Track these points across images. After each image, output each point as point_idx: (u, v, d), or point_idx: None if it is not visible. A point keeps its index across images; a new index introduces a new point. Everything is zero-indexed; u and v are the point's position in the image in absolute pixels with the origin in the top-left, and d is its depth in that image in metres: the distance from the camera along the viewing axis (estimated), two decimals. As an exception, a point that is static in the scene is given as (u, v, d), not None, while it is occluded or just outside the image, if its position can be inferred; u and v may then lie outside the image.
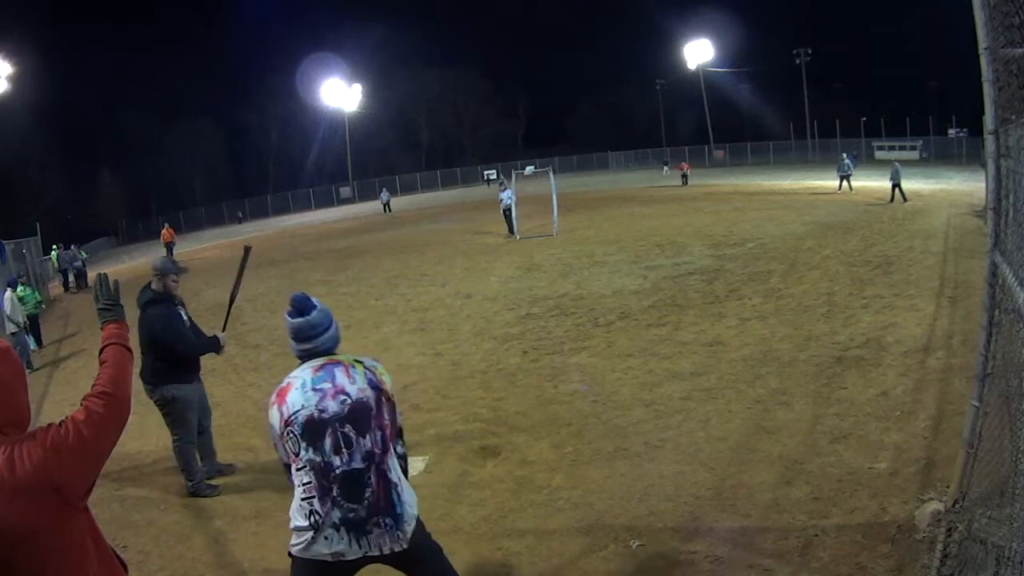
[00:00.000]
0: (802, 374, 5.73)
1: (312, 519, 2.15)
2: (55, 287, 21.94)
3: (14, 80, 38.95)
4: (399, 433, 2.41)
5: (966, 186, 21.65)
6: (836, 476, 3.93)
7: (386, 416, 2.27)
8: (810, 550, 3.26)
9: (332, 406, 2.17)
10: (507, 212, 18.39)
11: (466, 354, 7.57)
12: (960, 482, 3.29)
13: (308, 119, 59.57)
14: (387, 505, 2.18)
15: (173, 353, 4.49)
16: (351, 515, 2.14)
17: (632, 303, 9.11)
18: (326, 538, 2.15)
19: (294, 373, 2.28)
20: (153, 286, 4.55)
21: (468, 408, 5.82)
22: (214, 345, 4.66)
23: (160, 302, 4.49)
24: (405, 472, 2.40)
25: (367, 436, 2.19)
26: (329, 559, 2.17)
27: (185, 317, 4.68)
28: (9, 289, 10.52)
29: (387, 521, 2.17)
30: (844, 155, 24.17)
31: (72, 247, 25.72)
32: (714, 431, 4.76)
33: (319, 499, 2.15)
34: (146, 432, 6.35)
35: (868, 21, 52.83)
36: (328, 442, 2.15)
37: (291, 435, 2.17)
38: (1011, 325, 2.94)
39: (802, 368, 5.88)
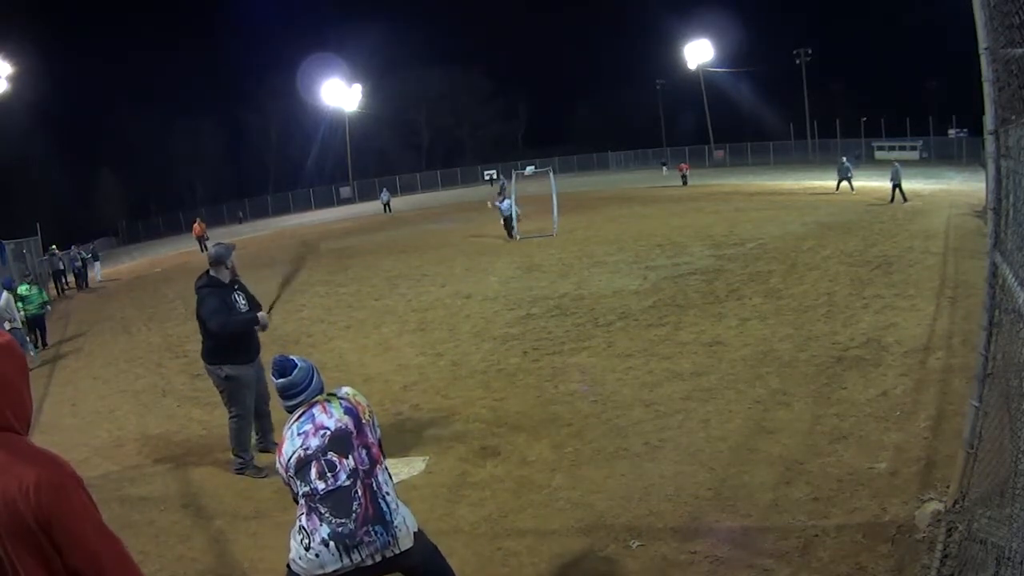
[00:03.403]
0: (802, 374, 5.73)
1: (302, 538, 2.31)
2: (50, 288, 21.89)
3: (14, 80, 38.93)
4: (380, 442, 2.55)
5: (966, 186, 21.65)
6: (836, 476, 3.93)
7: (369, 435, 2.45)
8: (810, 550, 3.26)
9: (314, 442, 2.38)
10: (507, 220, 18.33)
11: (466, 354, 7.57)
12: (960, 482, 3.29)
13: (308, 119, 59.54)
14: (376, 514, 2.31)
15: (217, 332, 4.65)
16: (340, 529, 2.26)
17: (632, 303, 9.11)
18: (317, 555, 2.26)
19: (286, 426, 2.51)
20: (211, 273, 4.81)
21: (468, 408, 5.82)
22: (251, 321, 4.76)
23: (208, 286, 4.75)
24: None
25: (350, 456, 2.36)
26: (342, 571, 2.29)
27: (241, 299, 4.84)
28: (6, 291, 10.50)
29: (377, 529, 2.30)
30: (844, 158, 24.31)
31: (72, 247, 25.72)
32: (714, 431, 4.75)
33: (307, 517, 2.32)
34: (146, 432, 6.35)
35: (868, 21, 52.85)
36: (313, 472, 2.34)
37: (290, 478, 2.41)
38: (1011, 325, 2.94)
39: (802, 368, 5.88)
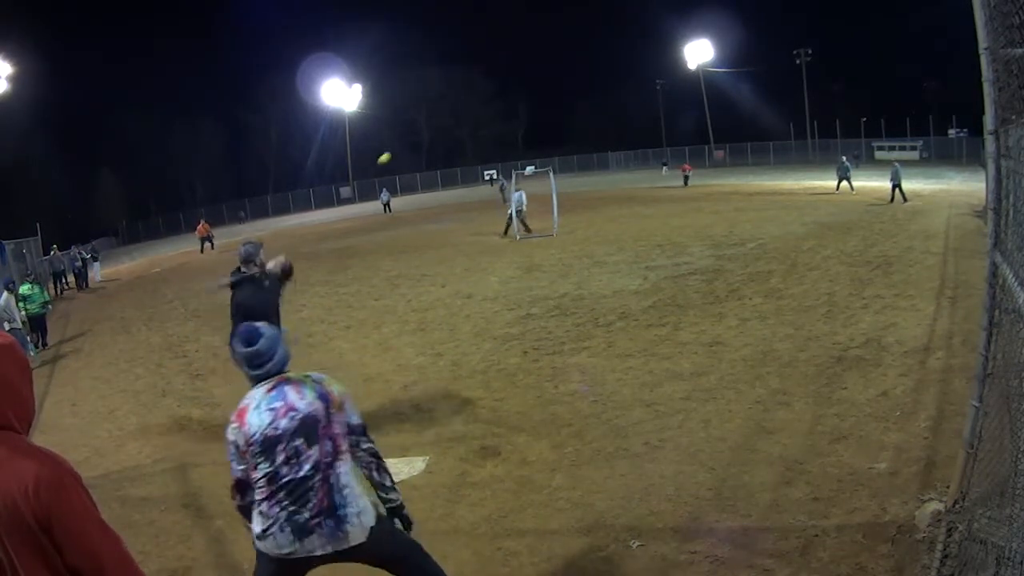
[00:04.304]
0: (802, 374, 5.73)
1: (263, 521, 2.36)
2: (50, 288, 21.88)
3: (14, 80, 38.93)
4: (362, 431, 2.52)
5: (966, 186, 21.66)
6: (836, 476, 3.93)
7: (336, 426, 2.42)
8: (810, 550, 3.26)
9: (284, 423, 2.35)
10: (519, 213, 18.40)
11: (466, 354, 7.57)
12: (960, 482, 3.29)
13: (308, 119, 59.52)
14: (330, 507, 2.34)
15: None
16: (295, 517, 2.32)
17: (632, 303, 9.10)
18: (273, 537, 2.33)
19: (250, 394, 2.46)
20: (242, 269, 5.13)
21: (468, 408, 5.82)
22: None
23: (238, 284, 5.09)
24: (379, 466, 2.54)
25: (315, 447, 2.36)
26: (279, 556, 2.35)
27: (267, 293, 5.08)
28: (7, 291, 10.50)
29: (329, 523, 2.33)
30: (843, 158, 24.43)
31: (72, 248, 25.70)
32: (714, 431, 4.75)
33: (267, 502, 2.35)
34: (146, 432, 6.36)
35: (868, 21, 52.86)
36: (280, 456, 2.34)
37: (253, 453, 2.36)
38: (1011, 325, 2.94)
39: (802, 368, 5.88)
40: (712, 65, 55.41)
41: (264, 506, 2.35)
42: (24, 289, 11.85)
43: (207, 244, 27.61)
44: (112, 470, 5.44)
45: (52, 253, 22.48)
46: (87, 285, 22.30)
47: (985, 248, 3.19)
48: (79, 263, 22.56)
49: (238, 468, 2.43)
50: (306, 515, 2.31)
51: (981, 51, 2.88)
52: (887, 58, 51.53)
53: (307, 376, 2.48)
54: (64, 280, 21.90)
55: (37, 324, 11.79)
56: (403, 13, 67.60)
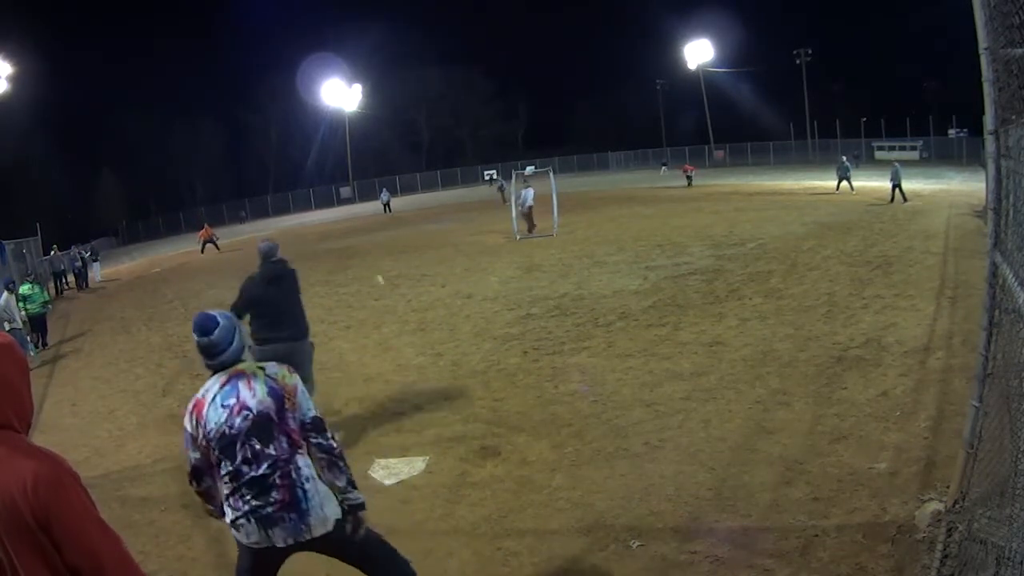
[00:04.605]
0: (802, 374, 5.73)
1: (232, 513, 2.41)
2: (51, 287, 21.86)
3: (14, 80, 38.93)
4: (315, 426, 2.49)
5: (966, 186, 21.65)
6: (836, 476, 3.93)
7: (290, 421, 2.43)
8: (810, 550, 3.26)
9: (238, 422, 2.38)
10: (528, 209, 18.51)
11: (466, 354, 7.57)
12: (960, 482, 3.29)
13: (308, 119, 59.54)
14: (292, 502, 2.38)
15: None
16: (259, 510, 2.37)
17: (632, 303, 9.10)
18: (241, 527, 2.40)
19: (206, 386, 2.47)
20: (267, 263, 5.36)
21: (468, 408, 5.82)
22: None
23: (252, 276, 5.27)
24: (330, 463, 2.50)
25: (271, 445, 2.39)
26: (251, 546, 2.42)
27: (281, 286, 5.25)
28: (7, 291, 10.50)
29: (292, 516, 2.37)
30: (844, 158, 24.39)
31: (72, 248, 25.69)
32: (714, 431, 4.75)
33: (233, 497, 2.40)
34: (146, 432, 6.36)
35: (868, 21, 52.86)
36: (239, 455, 2.38)
37: (211, 449, 2.40)
38: (1011, 325, 2.94)
39: (802, 368, 5.88)
40: (712, 65, 55.41)
41: (231, 500, 2.40)
42: (24, 289, 11.85)
43: (210, 246, 27.45)
44: (112, 470, 5.44)
45: (52, 253, 22.47)
46: (87, 285, 22.30)
47: (985, 248, 3.18)
48: (79, 263, 22.55)
49: (193, 455, 2.46)
50: (269, 509, 2.36)
51: (981, 51, 2.88)
52: (887, 58, 51.56)
53: (261, 368, 2.49)
54: (64, 280, 21.88)
55: (37, 324, 11.79)
56: (403, 13, 67.72)
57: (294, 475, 2.39)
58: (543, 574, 3.36)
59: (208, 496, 2.51)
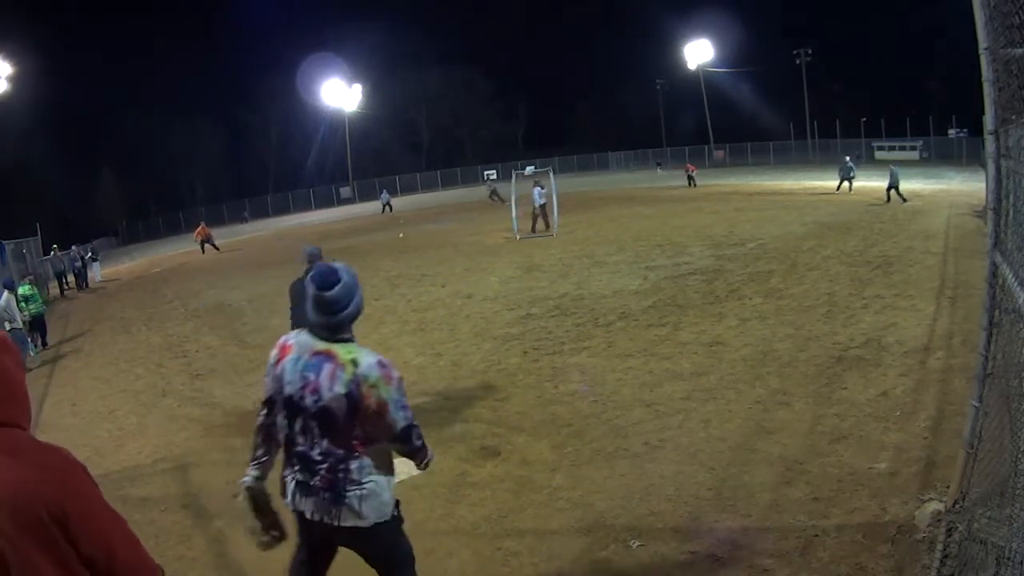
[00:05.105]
0: (802, 374, 5.73)
1: (283, 470, 2.40)
2: (53, 286, 21.86)
3: (14, 80, 38.94)
4: (402, 435, 2.34)
5: (966, 186, 21.65)
6: (836, 476, 3.93)
7: (357, 430, 2.26)
8: (810, 550, 3.26)
9: (307, 399, 2.26)
10: (542, 207, 18.59)
11: (466, 354, 7.57)
12: (960, 482, 3.29)
13: (308, 119, 59.52)
14: (330, 490, 2.28)
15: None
16: (302, 480, 2.33)
17: (632, 303, 9.10)
18: (287, 483, 2.38)
19: (299, 339, 2.36)
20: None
21: (468, 408, 5.82)
22: None
23: (298, 279, 5.71)
24: (414, 457, 2.45)
25: (326, 440, 2.27)
26: (294, 509, 2.39)
27: None
28: (6, 291, 10.49)
29: (326, 497, 2.29)
30: (847, 158, 24.11)
31: (72, 248, 25.68)
32: (714, 431, 4.75)
33: (286, 454, 2.38)
34: (146, 432, 6.36)
35: (868, 21, 52.88)
36: (298, 425, 2.31)
37: (279, 394, 2.33)
38: (1011, 325, 2.94)
39: (802, 368, 5.88)
40: (712, 65, 55.40)
41: (286, 454, 2.39)
42: (25, 290, 11.84)
43: (208, 246, 27.49)
44: (112, 470, 5.44)
45: (52, 253, 22.47)
46: (87, 285, 22.29)
47: (985, 248, 3.18)
48: (79, 263, 22.55)
49: (270, 386, 2.37)
50: (310, 481, 2.30)
51: (981, 51, 2.88)
52: (887, 58, 51.57)
53: (354, 362, 2.24)
54: (64, 280, 21.88)
55: (37, 324, 11.79)
56: (403, 13, 67.62)
57: (340, 474, 2.27)
58: (543, 574, 3.36)
59: (266, 431, 2.41)
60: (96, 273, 23.84)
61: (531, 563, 3.44)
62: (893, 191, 18.67)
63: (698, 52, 54.35)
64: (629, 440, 4.76)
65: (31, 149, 47.47)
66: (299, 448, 2.30)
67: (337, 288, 2.26)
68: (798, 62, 50.15)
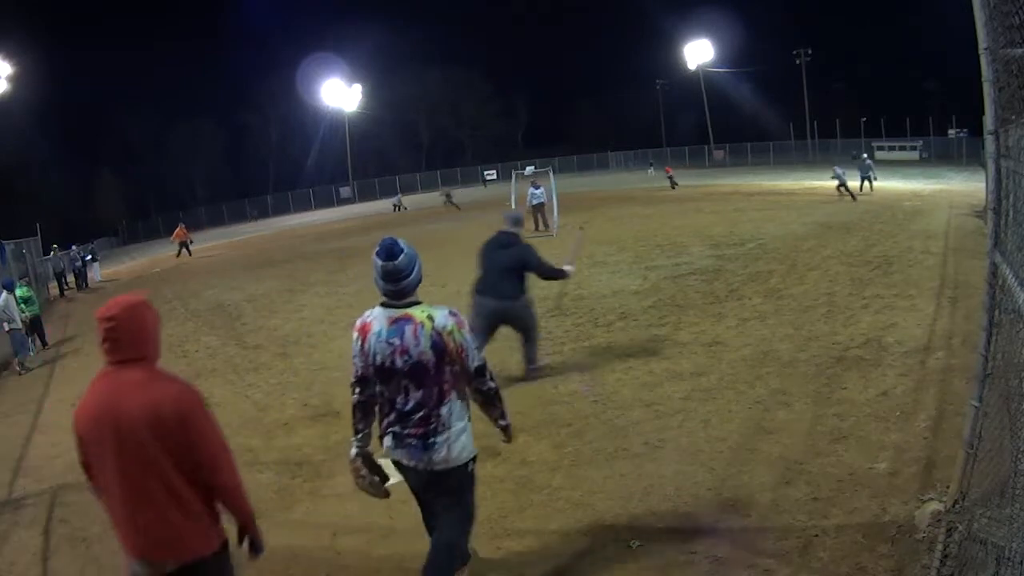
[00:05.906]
0: (802, 374, 5.73)
1: (383, 426, 2.77)
2: (53, 287, 21.85)
3: (14, 80, 38.96)
4: (479, 373, 2.72)
5: (966, 186, 21.65)
6: (836, 476, 3.93)
7: (447, 374, 2.64)
8: (810, 550, 3.25)
9: (398, 362, 2.61)
10: (539, 207, 18.63)
11: (466, 354, 7.55)
12: (960, 482, 3.29)
13: (308, 119, 59.61)
14: (423, 436, 2.66)
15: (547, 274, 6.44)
16: (397, 431, 2.71)
17: (632, 303, 9.10)
18: (386, 438, 2.77)
19: (375, 313, 2.70)
20: (514, 231, 6.30)
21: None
22: (560, 273, 6.47)
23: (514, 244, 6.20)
24: (491, 400, 2.83)
25: (421, 391, 2.63)
26: (396, 461, 2.78)
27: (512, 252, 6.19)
28: (6, 291, 10.49)
29: (418, 443, 2.67)
30: (865, 156, 23.33)
31: (72, 248, 25.67)
32: (714, 431, 4.75)
33: (383, 413, 2.75)
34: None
35: (868, 21, 52.90)
36: (394, 387, 2.67)
37: (370, 369, 2.69)
38: (1011, 325, 2.94)
39: (802, 368, 5.87)
40: (712, 65, 55.48)
41: (383, 414, 2.76)
42: (23, 292, 11.83)
43: (184, 250, 26.78)
44: (112, 470, 5.42)
45: (52, 253, 22.46)
46: (87, 285, 22.31)
47: (985, 248, 3.18)
48: (79, 263, 22.54)
49: (358, 366, 2.72)
50: (404, 433, 2.68)
51: (981, 51, 2.88)
52: (887, 58, 51.60)
53: (431, 319, 2.61)
54: (64, 280, 21.87)
55: (36, 325, 11.79)
56: (403, 13, 67.69)
57: (433, 421, 2.64)
58: (543, 574, 3.36)
59: (363, 408, 2.78)
60: (96, 273, 23.85)
61: (531, 563, 3.44)
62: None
63: (698, 52, 54.44)
64: (629, 440, 4.76)
65: (31, 149, 47.53)
66: (396, 406, 2.67)
67: (401, 257, 2.62)
68: (798, 62, 50.21)
